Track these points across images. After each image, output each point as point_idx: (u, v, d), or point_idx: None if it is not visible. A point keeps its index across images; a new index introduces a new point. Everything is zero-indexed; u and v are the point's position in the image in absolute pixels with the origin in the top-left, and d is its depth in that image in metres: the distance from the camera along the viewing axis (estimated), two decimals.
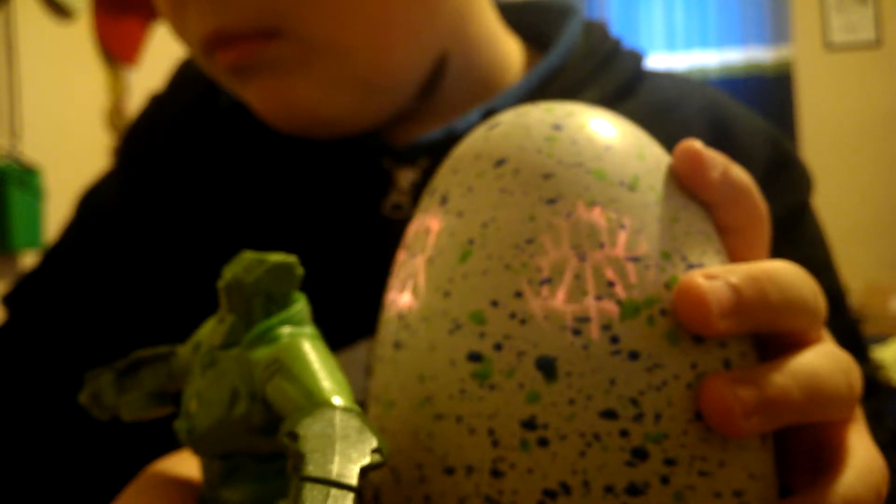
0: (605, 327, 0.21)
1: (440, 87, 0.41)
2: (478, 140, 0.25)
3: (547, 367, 0.21)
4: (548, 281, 0.21)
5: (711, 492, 0.21)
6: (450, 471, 0.21)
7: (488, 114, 0.40)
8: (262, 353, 0.21)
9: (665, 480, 0.20)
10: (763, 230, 0.25)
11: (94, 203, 0.47)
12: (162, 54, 2.03)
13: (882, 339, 2.10)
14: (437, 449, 0.22)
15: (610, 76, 0.43)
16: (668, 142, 0.26)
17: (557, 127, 0.24)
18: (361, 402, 0.37)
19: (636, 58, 0.45)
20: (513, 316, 0.21)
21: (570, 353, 0.21)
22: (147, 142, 0.46)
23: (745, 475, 0.21)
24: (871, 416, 0.28)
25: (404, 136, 0.42)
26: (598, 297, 0.21)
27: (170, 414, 0.25)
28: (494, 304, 0.22)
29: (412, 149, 0.40)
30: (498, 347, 0.21)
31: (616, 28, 3.48)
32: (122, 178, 0.47)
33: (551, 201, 0.22)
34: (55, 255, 0.47)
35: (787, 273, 0.22)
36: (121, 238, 0.44)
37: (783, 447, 0.23)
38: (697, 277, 0.21)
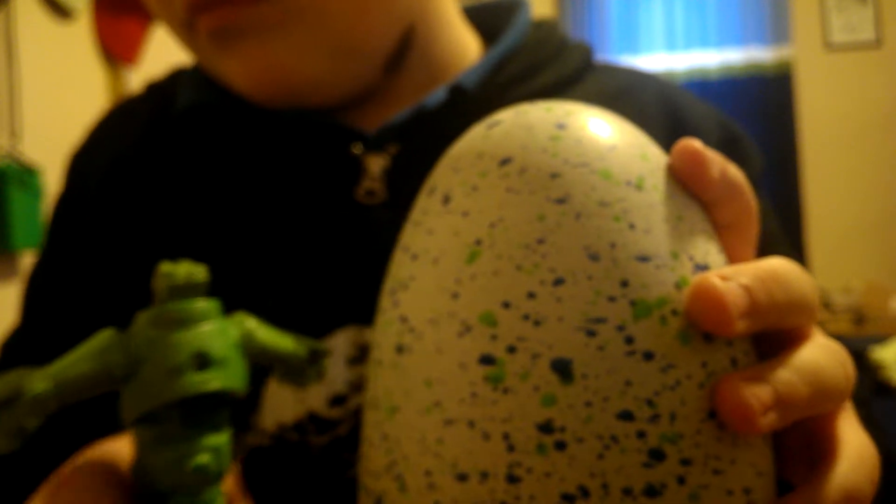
0: (620, 328, 0.21)
1: (405, 65, 0.42)
2: (478, 139, 0.25)
3: (563, 369, 0.20)
4: (561, 281, 0.21)
5: (724, 490, 0.21)
6: (462, 477, 0.21)
7: (454, 90, 0.41)
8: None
9: (681, 480, 0.20)
10: (754, 226, 0.25)
11: (41, 276, 0.47)
12: (162, 54, 2.03)
13: (882, 339, 2.10)
14: (447, 455, 0.21)
15: (563, 62, 0.45)
16: None
17: (560, 126, 0.24)
18: (343, 395, 0.38)
19: (586, 48, 0.47)
20: (526, 317, 0.21)
21: (586, 355, 0.21)
22: (74, 203, 0.46)
23: (753, 472, 0.22)
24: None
25: (371, 119, 0.42)
26: (612, 298, 0.21)
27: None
28: (506, 305, 0.21)
29: (381, 133, 0.40)
30: (511, 350, 0.21)
31: (616, 28, 3.47)
32: (55, 248, 0.47)
33: (560, 201, 0.22)
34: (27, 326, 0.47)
35: (789, 271, 0.23)
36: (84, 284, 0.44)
37: (777, 440, 0.24)
38: (713, 279, 0.21)
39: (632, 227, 0.22)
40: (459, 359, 0.21)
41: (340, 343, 0.37)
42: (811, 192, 2.97)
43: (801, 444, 0.24)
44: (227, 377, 0.24)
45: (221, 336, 0.24)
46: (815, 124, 2.98)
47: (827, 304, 2.55)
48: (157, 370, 0.23)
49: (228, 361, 0.24)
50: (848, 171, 2.94)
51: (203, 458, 0.23)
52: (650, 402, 0.20)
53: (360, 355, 0.37)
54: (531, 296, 0.21)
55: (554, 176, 0.22)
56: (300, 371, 0.28)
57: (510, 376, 0.21)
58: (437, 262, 0.23)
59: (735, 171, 0.24)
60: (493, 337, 0.21)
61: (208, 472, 0.23)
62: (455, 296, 0.22)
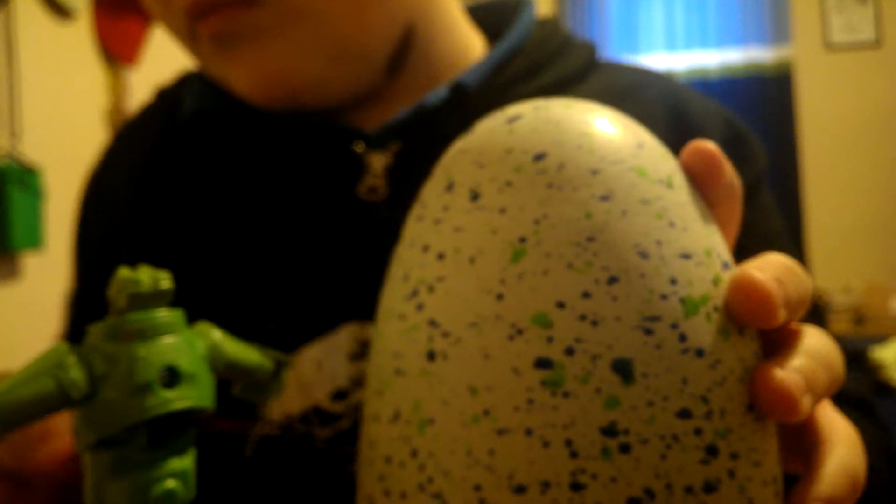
0: (673, 326, 0.21)
1: (407, 64, 0.42)
2: (501, 133, 0.24)
3: (624, 370, 0.20)
4: (615, 280, 0.21)
5: (761, 481, 0.21)
6: (520, 489, 0.20)
7: (456, 88, 0.41)
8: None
9: (732, 475, 0.21)
10: (738, 225, 0.26)
11: (77, 306, 0.48)
12: (162, 54, 2.03)
13: (882, 339, 2.10)
14: (500, 467, 0.20)
15: (566, 61, 0.45)
16: None
17: (587, 123, 0.23)
18: (345, 389, 0.38)
19: (590, 47, 0.47)
20: (583, 317, 0.20)
21: (645, 354, 0.20)
22: (94, 224, 0.48)
23: (775, 462, 0.22)
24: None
25: (373, 119, 0.42)
26: (664, 296, 0.21)
27: None
28: (560, 305, 0.20)
29: (383, 132, 0.40)
30: (570, 351, 0.20)
31: (616, 28, 3.47)
32: (86, 277, 0.48)
33: (604, 198, 0.22)
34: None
35: (795, 266, 0.23)
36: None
37: None
38: (755, 273, 0.21)
39: (672, 225, 0.22)
40: (511, 363, 0.20)
41: (342, 338, 0.38)
42: (811, 192, 2.97)
43: (789, 433, 0.24)
44: (198, 395, 0.22)
45: (189, 349, 0.22)
46: (815, 124, 2.98)
47: (827, 304, 2.55)
48: (122, 388, 0.21)
49: (197, 377, 0.22)
50: (848, 171, 2.94)
51: (170, 484, 0.21)
52: (704, 399, 0.20)
53: (362, 351, 0.38)
54: (586, 295, 0.20)
55: (594, 173, 0.22)
56: (264, 385, 0.26)
57: (570, 379, 0.20)
58: (473, 261, 0.22)
59: (733, 171, 0.25)
60: (549, 339, 0.20)
61: (175, 499, 0.21)
62: (500, 297, 0.21)
